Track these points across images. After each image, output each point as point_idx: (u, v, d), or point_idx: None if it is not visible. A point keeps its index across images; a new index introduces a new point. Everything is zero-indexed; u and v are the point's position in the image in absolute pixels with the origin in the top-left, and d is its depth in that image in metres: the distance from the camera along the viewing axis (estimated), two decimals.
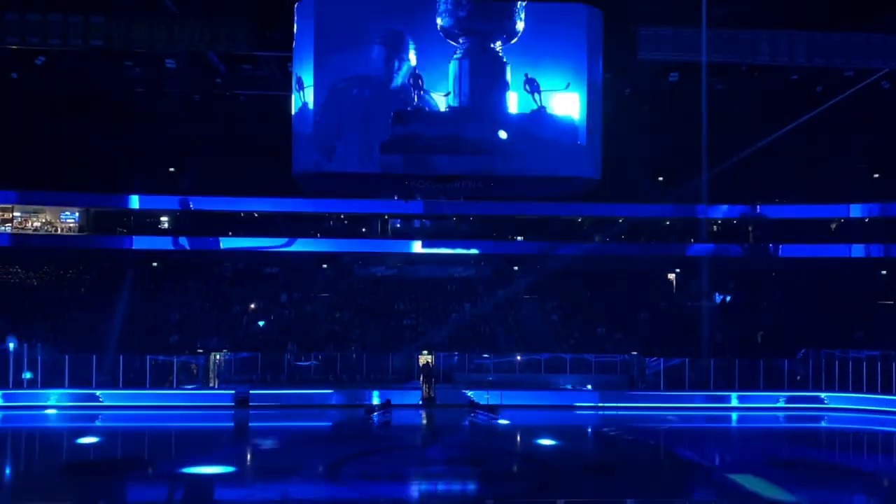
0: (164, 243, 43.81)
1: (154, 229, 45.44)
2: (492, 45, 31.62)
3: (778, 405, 35.47)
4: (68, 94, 40.21)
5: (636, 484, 22.61)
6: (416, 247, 44.36)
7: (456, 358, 37.57)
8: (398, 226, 45.93)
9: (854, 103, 38.49)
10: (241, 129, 41.17)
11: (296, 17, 32.69)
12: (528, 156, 32.49)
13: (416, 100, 31.63)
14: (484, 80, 32.00)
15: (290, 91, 33.72)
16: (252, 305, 42.90)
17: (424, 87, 31.65)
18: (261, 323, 41.33)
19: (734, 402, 35.40)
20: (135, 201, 43.77)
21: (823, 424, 33.79)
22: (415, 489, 22.65)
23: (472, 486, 22.80)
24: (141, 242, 43.79)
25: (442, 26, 30.72)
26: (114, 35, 33.76)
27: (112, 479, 22.92)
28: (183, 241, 43.57)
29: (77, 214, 44.77)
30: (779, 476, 22.96)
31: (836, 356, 35.76)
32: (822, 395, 35.46)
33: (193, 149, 43.44)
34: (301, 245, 44.25)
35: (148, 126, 41.10)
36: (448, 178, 32.13)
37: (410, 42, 31.56)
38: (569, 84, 32.28)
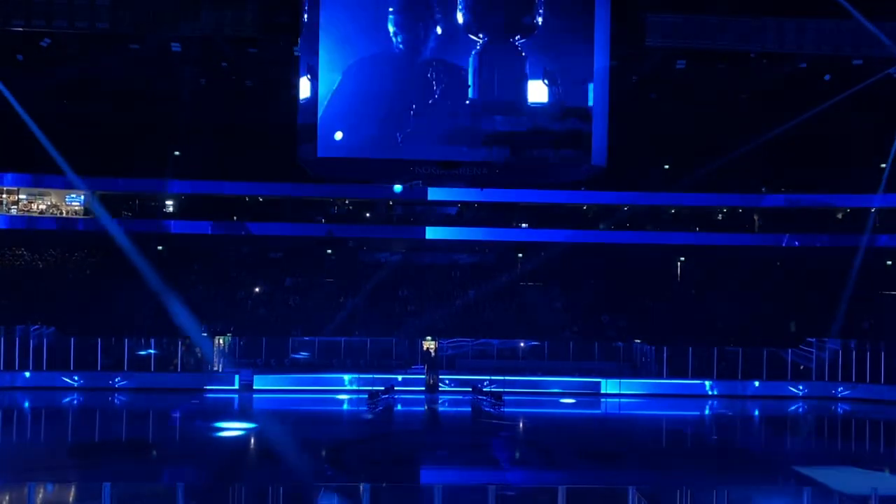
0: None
1: (159, 213, 45.56)
2: (511, 40, 31.62)
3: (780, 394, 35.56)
4: (72, 77, 40.12)
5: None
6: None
7: (459, 344, 37.61)
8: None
9: (864, 92, 38.28)
10: (247, 113, 41.07)
11: (304, 1, 32.53)
12: (540, 146, 32.46)
13: (436, 93, 31.57)
14: (502, 74, 31.97)
15: (296, 76, 33.60)
16: (256, 289, 42.99)
17: (444, 78, 31.59)
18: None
19: (738, 392, 35.49)
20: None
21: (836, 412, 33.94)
22: (415, 474, 22.74)
23: (473, 472, 22.90)
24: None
25: (462, 22, 30.80)
26: (120, 18, 33.63)
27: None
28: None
29: (82, 197, 44.81)
30: None
31: (841, 346, 35.73)
32: (825, 383, 35.46)
33: (198, 133, 43.36)
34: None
35: (152, 109, 41.04)
36: (454, 163, 32.04)
37: (424, 27, 31.38)
38: (585, 80, 32.24)
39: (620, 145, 35.42)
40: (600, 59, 32.73)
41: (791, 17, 34.07)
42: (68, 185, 43.78)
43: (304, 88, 33.02)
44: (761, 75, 37.76)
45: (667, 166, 45.75)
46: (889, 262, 44.78)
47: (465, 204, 45.77)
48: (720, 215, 46.96)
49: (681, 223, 46.04)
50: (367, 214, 46.20)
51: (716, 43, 34.18)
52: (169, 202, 46.04)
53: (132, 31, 34.26)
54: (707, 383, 35.59)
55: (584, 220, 46.21)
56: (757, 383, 35.57)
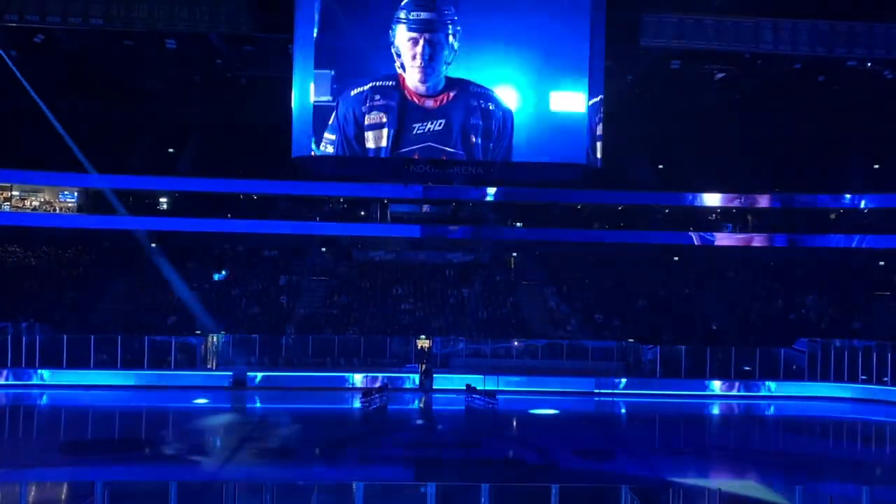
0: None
1: (153, 210, 45.45)
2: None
3: (776, 394, 35.67)
4: (67, 73, 39.96)
5: None
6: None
7: (453, 343, 37.63)
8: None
9: (855, 93, 38.44)
10: (242, 110, 40.98)
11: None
12: (535, 148, 32.56)
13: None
14: None
15: (291, 73, 33.50)
16: (251, 287, 42.88)
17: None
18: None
19: (732, 391, 35.60)
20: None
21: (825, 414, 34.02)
22: (408, 472, 22.75)
23: (467, 470, 22.91)
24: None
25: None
26: (114, 14, 33.45)
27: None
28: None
29: (76, 194, 44.66)
30: None
31: (834, 346, 35.85)
32: (818, 384, 35.58)
33: (192, 130, 43.26)
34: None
35: (147, 106, 40.94)
36: (450, 162, 32.02)
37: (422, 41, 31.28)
38: (581, 80, 32.38)
39: (616, 145, 35.47)
40: (596, 60, 32.77)
41: (786, 18, 34.13)
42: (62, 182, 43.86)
43: (298, 86, 32.95)
44: (757, 75, 37.82)
45: (661, 166, 45.87)
46: (881, 263, 44.95)
47: (460, 202, 45.76)
48: (714, 215, 47.08)
49: (676, 223, 46.11)
50: (362, 213, 46.16)
51: (711, 43, 34.22)
52: (162, 199, 45.91)
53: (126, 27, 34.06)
54: (714, 383, 35.71)
55: (579, 220, 46.30)
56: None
